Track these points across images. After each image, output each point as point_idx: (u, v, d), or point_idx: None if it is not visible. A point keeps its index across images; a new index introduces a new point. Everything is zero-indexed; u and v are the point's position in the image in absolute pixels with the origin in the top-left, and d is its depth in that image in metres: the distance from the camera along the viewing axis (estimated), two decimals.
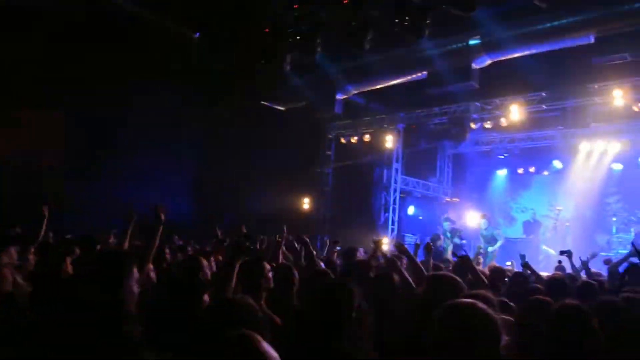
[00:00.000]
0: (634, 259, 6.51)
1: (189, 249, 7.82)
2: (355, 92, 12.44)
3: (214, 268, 5.24)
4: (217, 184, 13.74)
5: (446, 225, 13.46)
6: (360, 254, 7.82)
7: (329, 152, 16.00)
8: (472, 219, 15.00)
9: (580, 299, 4.40)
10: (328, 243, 8.44)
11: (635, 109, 10.52)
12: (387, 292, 3.88)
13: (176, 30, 11.13)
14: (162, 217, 4.04)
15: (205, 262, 3.98)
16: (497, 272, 5.91)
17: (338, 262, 7.64)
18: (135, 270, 2.74)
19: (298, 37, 8.90)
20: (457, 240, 13.04)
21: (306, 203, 15.72)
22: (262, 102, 12.98)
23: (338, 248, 8.49)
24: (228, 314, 1.84)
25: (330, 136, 15.98)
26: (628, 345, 2.90)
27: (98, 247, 4.97)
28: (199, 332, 1.81)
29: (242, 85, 12.15)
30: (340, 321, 2.56)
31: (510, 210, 16.12)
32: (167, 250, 5.93)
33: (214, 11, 10.25)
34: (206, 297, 3.51)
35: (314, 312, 2.76)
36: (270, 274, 4.18)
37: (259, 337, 1.43)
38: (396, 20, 7.58)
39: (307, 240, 5.79)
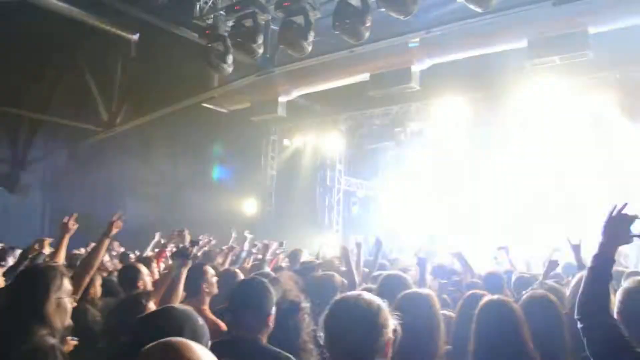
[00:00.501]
0: None
1: (131, 256, 7.59)
2: (299, 93, 12.41)
3: (156, 275, 5.10)
4: (159, 187, 13.42)
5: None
6: (305, 256, 7.85)
7: (273, 154, 15.94)
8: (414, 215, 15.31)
9: (514, 292, 4.55)
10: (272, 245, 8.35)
11: None
12: (330, 292, 3.89)
13: (114, 31, 10.79)
14: (113, 229, 3.88)
15: (145, 270, 3.85)
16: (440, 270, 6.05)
17: (284, 264, 7.64)
18: (66, 283, 2.61)
19: (239, 39, 8.77)
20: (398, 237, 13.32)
21: (251, 205, 15.58)
22: (204, 105, 12.74)
23: (284, 249, 8.46)
24: (159, 322, 1.76)
25: (274, 138, 15.93)
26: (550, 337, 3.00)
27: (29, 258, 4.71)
28: (130, 343, 1.72)
29: (183, 87, 11.91)
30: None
31: None
32: (108, 258, 5.72)
33: (153, 11, 10.00)
34: (152, 305, 3.40)
35: None
36: (214, 279, 4.10)
37: (190, 346, 1.33)
38: (337, 23, 7.61)
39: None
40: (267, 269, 6.04)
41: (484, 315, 2.88)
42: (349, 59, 10.44)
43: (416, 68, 10.34)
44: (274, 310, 2.82)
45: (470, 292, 3.75)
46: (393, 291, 3.24)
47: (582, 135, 12.15)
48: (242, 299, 2.87)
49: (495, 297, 3.01)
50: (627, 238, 2.39)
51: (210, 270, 4.07)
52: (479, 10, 7.16)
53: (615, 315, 2.81)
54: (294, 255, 7.27)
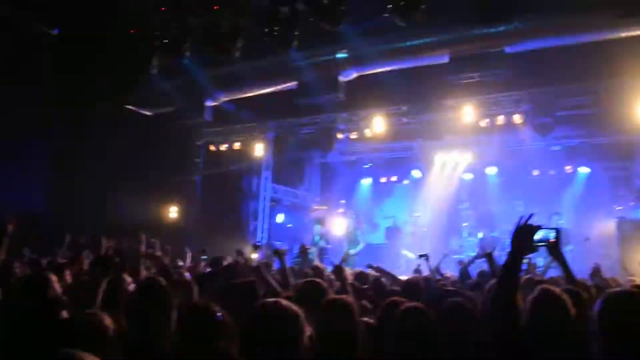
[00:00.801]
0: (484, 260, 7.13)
1: (43, 262, 7.16)
2: (226, 99, 12.28)
3: (69, 281, 4.85)
4: (77, 191, 12.80)
5: (317, 228, 13.79)
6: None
7: (198, 160, 15.60)
8: (338, 225, 15.49)
9: (430, 299, 4.67)
10: (188, 253, 8.20)
11: (482, 124, 11.56)
12: (252, 298, 3.86)
13: (32, 25, 10.22)
14: (10, 228, 3.67)
15: (54, 277, 3.64)
16: (361, 277, 6.14)
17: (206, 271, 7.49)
18: None
19: (165, 40, 8.57)
20: (322, 243, 13.41)
21: (174, 212, 15.18)
22: (127, 106, 12.32)
23: (204, 257, 8.30)
24: (66, 332, 1.67)
25: (199, 143, 15.59)
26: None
27: None
28: (37, 352, 1.63)
29: (105, 87, 11.45)
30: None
31: (374, 218, 16.84)
32: (17, 265, 5.37)
33: (76, 7, 9.56)
34: (65, 314, 3.23)
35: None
36: (130, 288, 3.94)
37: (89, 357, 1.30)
38: (266, 30, 7.61)
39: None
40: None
41: (401, 322, 2.91)
42: (277, 67, 10.48)
43: (343, 78, 10.52)
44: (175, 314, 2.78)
45: (390, 299, 3.79)
46: (311, 298, 3.20)
47: (497, 148, 12.79)
48: (139, 302, 2.82)
49: (412, 304, 3.04)
50: (532, 246, 2.52)
51: (127, 280, 3.91)
52: (403, 24, 7.39)
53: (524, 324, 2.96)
54: (215, 262, 7.15)
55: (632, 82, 9.73)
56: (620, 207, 12.17)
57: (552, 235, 2.59)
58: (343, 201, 16.95)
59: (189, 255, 8.95)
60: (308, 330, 1.99)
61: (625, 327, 2.01)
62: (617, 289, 2.26)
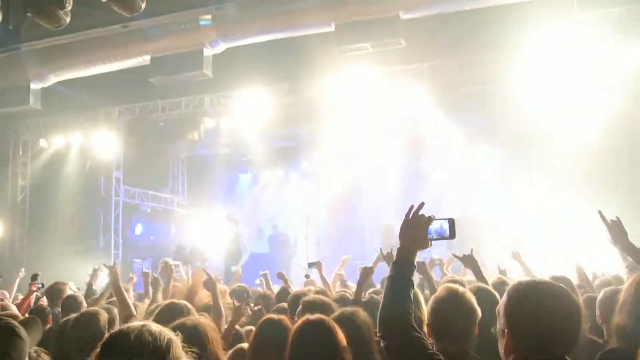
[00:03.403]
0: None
1: None
2: (57, 79, 11.63)
3: None
4: None
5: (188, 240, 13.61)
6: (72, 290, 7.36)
7: (24, 159, 14.79)
8: (214, 234, 15.32)
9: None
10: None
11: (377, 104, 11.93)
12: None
13: None
14: None
15: None
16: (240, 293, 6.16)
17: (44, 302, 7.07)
18: None
19: None
20: (199, 263, 13.10)
21: None
22: None
23: (39, 286, 7.79)
24: None
25: (25, 138, 14.80)
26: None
27: None
28: None
29: None
30: None
31: (256, 221, 16.84)
32: None
33: None
34: None
35: None
36: None
37: None
38: None
39: None
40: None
41: (300, 336, 3.03)
42: (123, 37, 10.13)
43: (209, 52, 10.36)
44: None
45: (266, 317, 3.83)
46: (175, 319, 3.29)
47: (393, 129, 13.23)
48: None
49: (313, 316, 3.14)
50: (425, 241, 2.59)
51: None
52: None
53: (425, 326, 3.10)
54: (54, 292, 6.77)
55: (534, 49, 10.47)
56: None
57: (446, 227, 2.67)
58: (217, 203, 16.77)
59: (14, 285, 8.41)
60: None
61: (530, 324, 2.11)
62: (522, 280, 2.38)
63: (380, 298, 4.50)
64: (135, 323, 1.93)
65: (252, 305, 5.29)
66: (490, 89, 12.10)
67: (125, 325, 1.93)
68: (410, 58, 11.40)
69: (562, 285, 2.23)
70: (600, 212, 4.32)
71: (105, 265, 5.53)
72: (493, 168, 14.15)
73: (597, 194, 10.98)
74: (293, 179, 16.86)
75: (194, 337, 2.94)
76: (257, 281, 9.17)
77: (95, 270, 8.45)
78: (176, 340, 1.91)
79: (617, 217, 4.28)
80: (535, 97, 10.98)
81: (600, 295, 4.02)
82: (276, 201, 16.73)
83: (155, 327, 1.91)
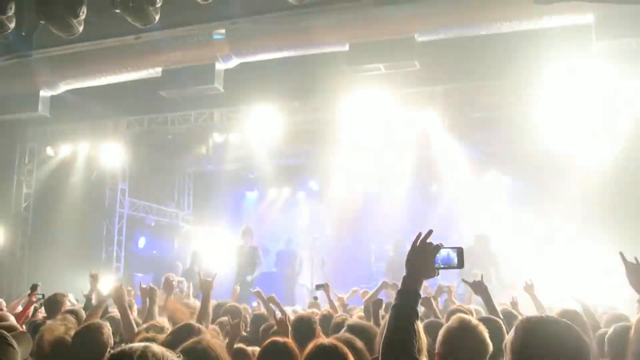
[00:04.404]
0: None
1: None
2: (67, 88, 11.69)
3: None
4: None
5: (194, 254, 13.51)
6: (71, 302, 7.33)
7: (29, 167, 14.81)
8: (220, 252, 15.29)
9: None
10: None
11: (390, 126, 11.93)
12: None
13: None
14: None
15: None
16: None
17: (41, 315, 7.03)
18: None
19: None
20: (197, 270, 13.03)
21: None
22: None
23: (39, 297, 7.75)
24: None
25: (32, 145, 14.83)
26: None
27: None
28: None
29: None
30: None
31: (261, 240, 16.78)
32: None
33: None
34: None
35: None
36: None
37: None
38: (118, 0, 7.30)
39: None
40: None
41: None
42: (135, 48, 10.17)
43: (221, 66, 10.39)
44: None
45: (270, 340, 3.79)
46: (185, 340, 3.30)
47: (403, 152, 13.21)
48: None
49: (327, 340, 3.22)
50: (432, 270, 2.56)
51: None
52: (294, 2, 7.42)
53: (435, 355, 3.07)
54: (53, 303, 6.74)
55: (549, 77, 10.49)
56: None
57: (454, 256, 2.64)
58: (222, 220, 16.74)
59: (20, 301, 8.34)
60: None
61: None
62: (531, 316, 2.35)
63: None
64: (138, 344, 1.90)
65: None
66: (502, 116, 12.11)
67: (128, 346, 1.91)
68: (424, 81, 11.40)
69: (570, 323, 2.19)
70: (621, 253, 4.24)
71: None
72: (502, 195, 14.12)
73: (607, 225, 10.94)
74: (300, 198, 16.82)
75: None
76: (254, 304, 9.13)
77: (93, 277, 8.31)
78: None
79: (636, 259, 4.21)
80: (548, 126, 10.96)
81: (610, 332, 3.96)
82: (282, 220, 16.67)
83: (158, 348, 1.89)
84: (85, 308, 6.94)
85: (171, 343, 3.15)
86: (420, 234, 2.63)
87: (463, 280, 5.56)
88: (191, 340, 3.27)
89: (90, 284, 8.02)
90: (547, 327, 2.17)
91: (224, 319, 5.69)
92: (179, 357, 1.94)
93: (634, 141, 10.57)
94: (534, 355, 2.10)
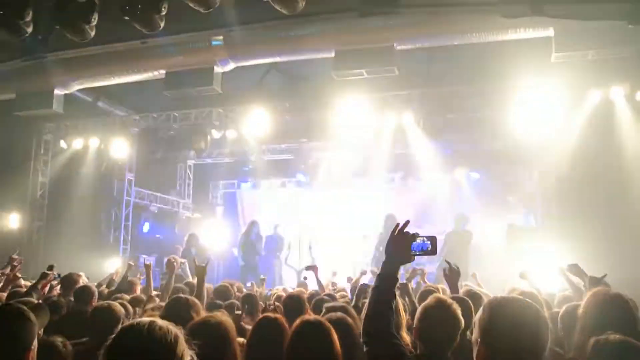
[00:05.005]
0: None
1: None
2: (79, 87, 11.60)
3: None
4: None
5: (193, 238, 13.47)
6: (84, 281, 7.29)
7: (45, 158, 14.69)
8: (215, 236, 15.29)
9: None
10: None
11: (370, 125, 11.95)
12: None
13: None
14: None
15: None
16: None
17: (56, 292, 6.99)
18: None
19: (1, 12, 7.88)
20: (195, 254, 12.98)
21: (14, 220, 14.12)
22: None
23: (56, 275, 7.70)
24: None
25: (47, 138, 14.71)
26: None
27: None
28: None
29: None
30: None
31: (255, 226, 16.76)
32: None
33: None
34: None
35: None
36: None
37: None
38: (126, 7, 7.26)
39: None
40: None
41: (299, 335, 3.08)
42: (141, 52, 10.11)
43: (219, 69, 10.36)
44: (35, 344, 2.55)
45: (263, 316, 3.80)
46: (181, 315, 3.38)
47: (383, 147, 13.23)
48: None
49: (311, 317, 3.24)
50: (408, 257, 2.61)
51: None
52: (285, 12, 7.40)
53: (413, 332, 3.12)
54: (68, 281, 6.71)
55: (514, 84, 10.57)
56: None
57: (428, 244, 2.68)
58: (219, 208, 16.73)
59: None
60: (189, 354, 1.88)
61: (503, 336, 2.11)
62: (496, 296, 2.41)
63: None
64: (144, 319, 1.92)
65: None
66: (472, 117, 12.19)
67: (135, 321, 1.92)
68: (402, 85, 11.45)
69: (530, 301, 2.24)
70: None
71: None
72: (470, 189, 14.21)
73: (565, 214, 11.05)
74: (289, 189, 16.81)
75: (217, 335, 3.02)
76: (249, 284, 9.15)
77: (130, 265, 8.35)
78: (181, 335, 1.90)
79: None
80: (513, 126, 11.05)
81: (562, 311, 4.03)
82: (274, 208, 16.65)
83: (163, 322, 1.90)
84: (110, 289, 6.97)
85: (166, 316, 3.12)
86: (398, 224, 2.66)
87: (446, 260, 5.57)
88: (203, 316, 3.31)
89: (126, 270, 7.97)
90: (510, 304, 2.22)
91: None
92: (181, 330, 1.95)
93: (588, 139, 10.66)
94: (499, 329, 2.12)
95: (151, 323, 1.87)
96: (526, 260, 9.44)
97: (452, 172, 14.32)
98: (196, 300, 4.10)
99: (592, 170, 10.76)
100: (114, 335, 1.87)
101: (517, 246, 11.31)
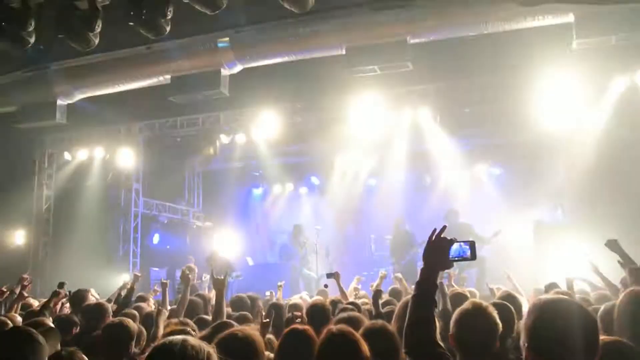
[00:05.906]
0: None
1: None
2: (83, 96, 11.69)
3: None
4: None
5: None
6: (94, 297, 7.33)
7: (49, 171, 14.83)
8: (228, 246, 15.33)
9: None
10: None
11: (386, 123, 11.95)
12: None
13: None
14: None
15: None
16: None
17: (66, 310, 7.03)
18: None
19: (2, 23, 7.97)
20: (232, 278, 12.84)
21: (19, 236, 14.26)
22: None
23: (67, 293, 7.76)
24: None
25: (50, 151, 14.84)
26: None
27: None
28: None
29: None
30: None
31: (267, 233, 16.84)
32: None
33: None
34: None
35: None
36: None
37: None
38: (131, 13, 7.32)
39: None
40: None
41: (326, 348, 3.06)
42: (146, 57, 10.18)
43: (226, 72, 10.41)
44: None
45: (290, 327, 3.80)
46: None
47: (399, 146, 13.22)
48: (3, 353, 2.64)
49: (337, 328, 3.19)
50: (447, 263, 2.62)
51: None
52: (295, 10, 7.42)
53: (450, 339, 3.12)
54: (77, 298, 6.74)
55: (534, 74, 10.52)
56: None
57: (467, 249, 2.70)
58: (230, 215, 16.78)
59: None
60: None
61: (549, 339, 2.12)
62: (545, 297, 2.40)
63: (393, 308, 4.51)
64: (177, 336, 1.95)
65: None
66: (491, 110, 12.13)
67: (168, 339, 1.95)
68: (416, 80, 11.43)
69: (577, 302, 2.24)
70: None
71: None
72: (491, 185, 14.17)
73: (594, 210, 10.98)
74: (303, 193, 16.86)
75: (245, 349, 3.04)
76: (267, 293, 9.15)
77: (136, 276, 8.27)
78: (214, 354, 1.93)
79: None
80: (537, 118, 11.00)
81: (601, 310, 4.04)
82: (287, 214, 16.70)
83: (195, 340, 1.94)
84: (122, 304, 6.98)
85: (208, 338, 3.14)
86: (435, 229, 2.68)
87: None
88: (231, 330, 3.30)
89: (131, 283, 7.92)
90: (557, 306, 2.20)
91: None
92: (213, 348, 1.98)
93: (612, 131, 10.61)
94: (544, 331, 2.12)
95: (184, 341, 1.90)
96: (556, 259, 9.42)
97: (472, 168, 14.30)
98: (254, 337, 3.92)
99: (621, 161, 10.69)
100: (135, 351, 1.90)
101: (546, 246, 11.21)
